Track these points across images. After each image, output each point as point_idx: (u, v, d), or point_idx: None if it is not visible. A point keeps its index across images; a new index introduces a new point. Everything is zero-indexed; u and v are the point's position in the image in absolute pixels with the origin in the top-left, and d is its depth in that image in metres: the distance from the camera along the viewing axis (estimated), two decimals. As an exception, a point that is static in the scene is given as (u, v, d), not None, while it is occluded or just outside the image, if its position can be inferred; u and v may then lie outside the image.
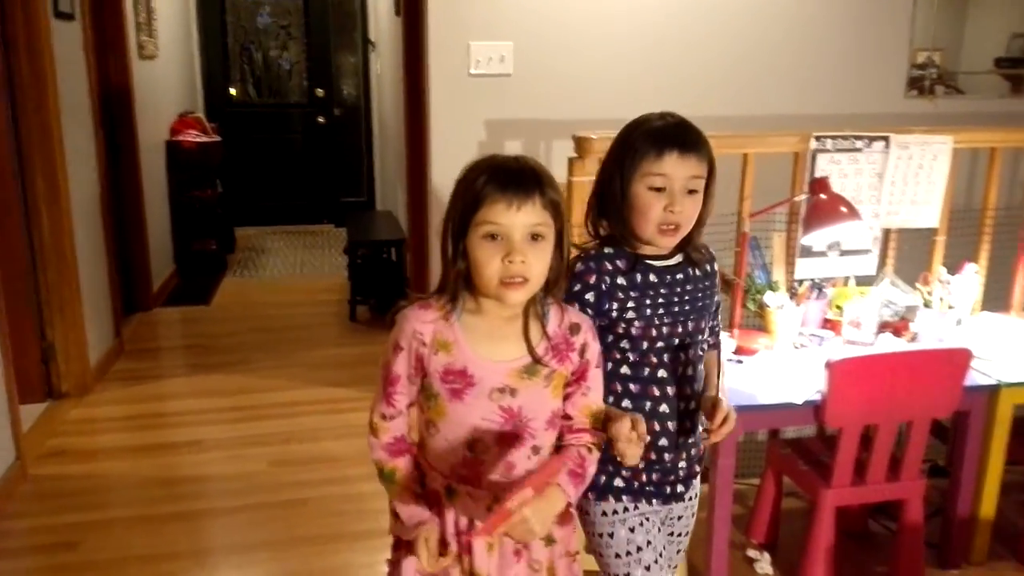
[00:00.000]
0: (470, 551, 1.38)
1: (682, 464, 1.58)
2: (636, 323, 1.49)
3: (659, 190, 1.44)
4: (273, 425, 3.46)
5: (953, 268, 2.75)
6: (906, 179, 2.72)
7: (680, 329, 1.51)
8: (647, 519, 1.56)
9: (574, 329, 1.38)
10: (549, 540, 1.42)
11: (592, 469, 1.41)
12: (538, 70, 3.42)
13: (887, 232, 2.83)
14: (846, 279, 2.75)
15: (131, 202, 4.87)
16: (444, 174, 3.47)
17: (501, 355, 1.34)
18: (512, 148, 3.48)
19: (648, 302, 1.49)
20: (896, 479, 2.27)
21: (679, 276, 1.53)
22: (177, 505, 2.86)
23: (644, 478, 1.56)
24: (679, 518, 1.64)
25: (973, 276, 2.77)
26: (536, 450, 1.38)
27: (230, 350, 4.37)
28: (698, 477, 1.65)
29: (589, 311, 1.49)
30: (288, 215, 7.54)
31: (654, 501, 1.57)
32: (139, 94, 4.89)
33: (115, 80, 4.65)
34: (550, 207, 1.28)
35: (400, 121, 4.85)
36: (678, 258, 1.54)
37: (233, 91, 7.27)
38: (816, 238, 2.64)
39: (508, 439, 1.35)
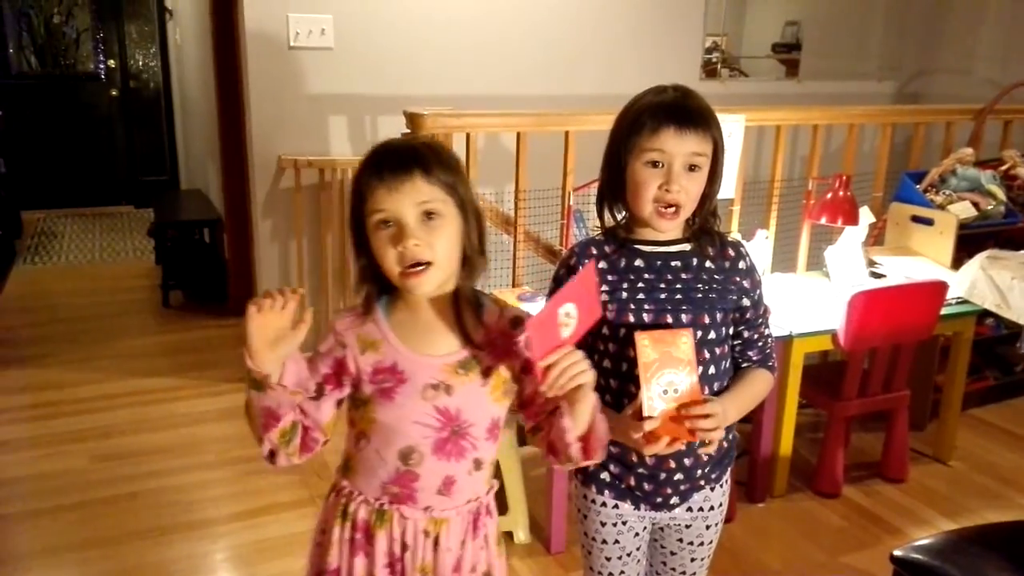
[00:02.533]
0: None
1: (678, 476, 1.44)
2: (609, 306, 1.38)
3: (656, 165, 1.34)
4: (90, 420, 3.25)
5: (747, 235, 3.05)
6: (709, 154, 2.96)
7: (669, 320, 1.37)
8: (624, 522, 1.49)
9: (515, 323, 1.26)
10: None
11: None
12: (360, 44, 3.41)
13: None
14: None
15: (-103, 184, 4.36)
16: (266, 150, 3.39)
17: (434, 349, 1.24)
18: (337, 123, 3.45)
19: (626, 285, 1.39)
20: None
21: (675, 263, 1.40)
22: (-14, 511, 2.65)
23: (632, 481, 1.45)
24: (687, 526, 1.51)
25: (764, 241, 3.08)
26: (478, 464, 1.28)
27: (30, 343, 4.04)
28: (714, 487, 1.49)
29: None
30: (82, 196, 6.98)
31: (642, 506, 1.47)
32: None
33: None
34: (439, 183, 1.18)
35: (208, 95, 4.65)
36: (684, 246, 1.42)
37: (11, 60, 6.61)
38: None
39: (446, 448, 1.25)
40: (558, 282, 1.46)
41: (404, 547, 1.27)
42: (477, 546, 1.32)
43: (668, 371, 1.30)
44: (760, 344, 1.49)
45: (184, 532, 2.57)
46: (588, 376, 1.15)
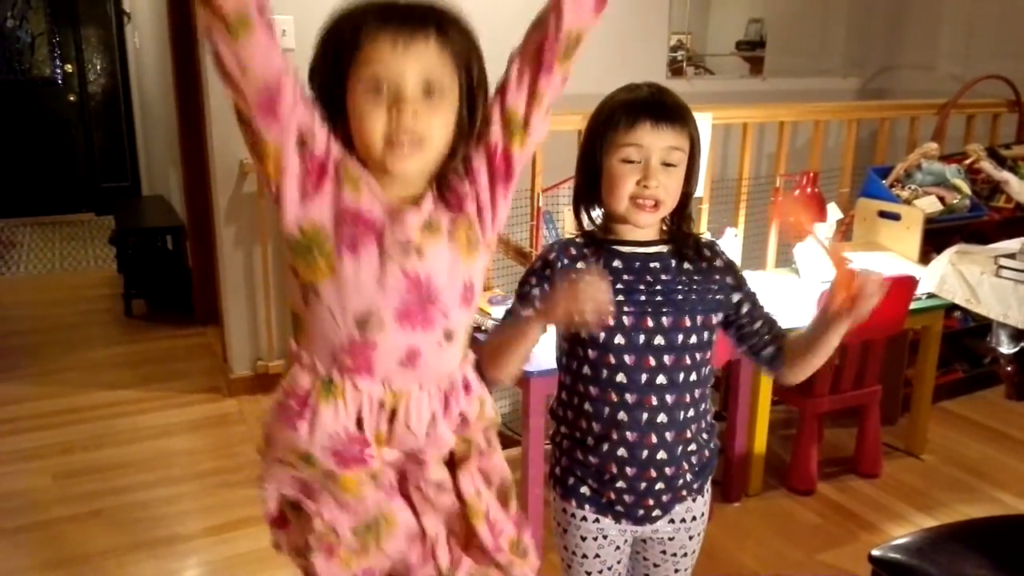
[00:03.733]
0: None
1: (660, 486, 1.39)
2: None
3: (632, 162, 1.31)
4: (50, 436, 3.16)
5: (716, 233, 3.05)
6: (678, 153, 2.96)
7: (650, 323, 1.34)
8: (605, 536, 1.45)
9: (465, 161, 1.14)
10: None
11: None
12: (322, 48, 3.35)
13: (662, 202, 3.09)
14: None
15: None
16: (228, 155, 3.32)
17: (406, 202, 1.09)
18: (300, 128, 3.39)
19: None
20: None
21: (655, 264, 1.37)
22: (-57, 534, 2.56)
23: (612, 495, 1.41)
24: (669, 538, 1.48)
25: (733, 239, 3.08)
26: (449, 336, 1.13)
27: (-13, 357, 3.93)
28: (696, 497, 1.46)
29: (546, 286, 1.37)
30: (41, 204, 6.82)
31: (623, 520, 1.43)
32: None
33: None
34: (452, 51, 1.02)
35: (168, 99, 4.56)
36: (661, 247, 1.39)
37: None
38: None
39: (411, 316, 1.09)
40: (535, 274, 1.41)
41: (358, 423, 1.11)
42: (449, 425, 1.17)
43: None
44: (771, 321, 1.46)
45: (152, 549, 2.50)
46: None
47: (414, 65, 1.00)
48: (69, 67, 6.77)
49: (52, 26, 6.69)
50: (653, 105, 1.32)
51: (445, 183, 1.12)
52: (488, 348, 1.35)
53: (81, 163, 6.94)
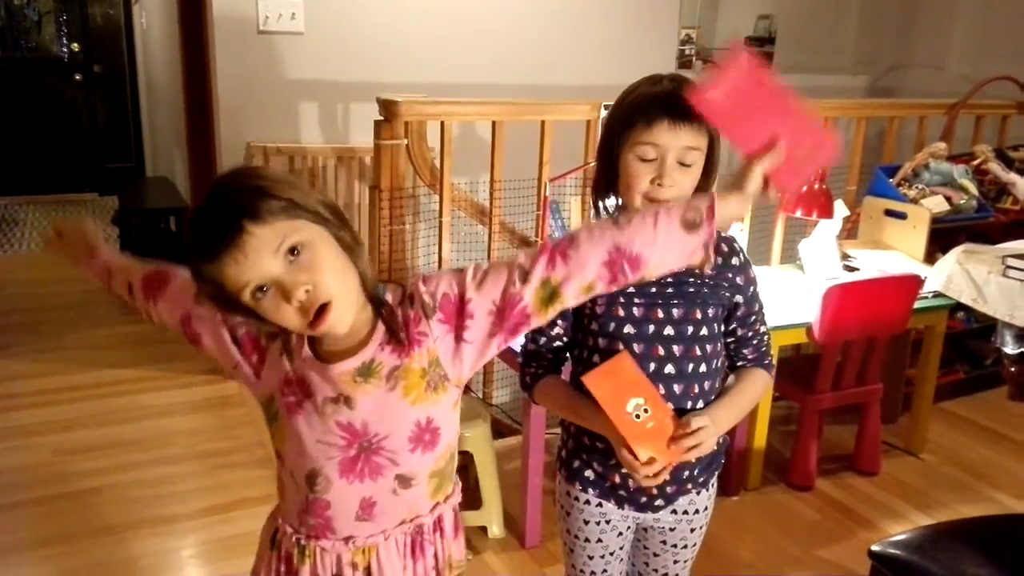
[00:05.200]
0: None
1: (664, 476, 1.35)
2: (599, 300, 1.33)
3: (648, 160, 1.29)
4: (51, 412, 3.17)
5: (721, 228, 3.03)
6: (686, 146, 2.95)
7: (660, 314, 1.34)
8: (608, 521, 1.46)
9: (413, 300, 1.09)
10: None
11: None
12: (332, 29, 3.34)
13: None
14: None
15: None
16: (234, 137, 3.31)
17: (338, 356, 1.07)
18: (307, 110, 3.38)
19: None
20: (685, 419, 2.50)
21: None
22: (-58, 507, 2.57)
23: (617, 479, 1.41)
24: (671, 529, 1.48)
25: (738, 233, 3.06)
26: (405, 481, 1.10)
27: (-12, 333, 3.93)
28: (700, 491, 1.45)
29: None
30: (45, 183, 6.81)
31: (626, 506, 1.44)
32: None
33: None
34: (278, 216, 0.96)
35: (175, 81, 4.55)
36: None
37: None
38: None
39: (356, 468, 1.08)
40: None
41: None
42: (423, 570, 1.19)
43: (630, 398, 1.24)
44: (755, 342, 1.45)
45: (151, 528, 2.51)
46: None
47: (262, 256, 0.96)
48: (75, 46, 6.75)
49: (59, 4, 6.67)
50: (672, 102, 1.28)
51: (396, 322, 1.07)
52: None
53: (85, 143, 6.93)
